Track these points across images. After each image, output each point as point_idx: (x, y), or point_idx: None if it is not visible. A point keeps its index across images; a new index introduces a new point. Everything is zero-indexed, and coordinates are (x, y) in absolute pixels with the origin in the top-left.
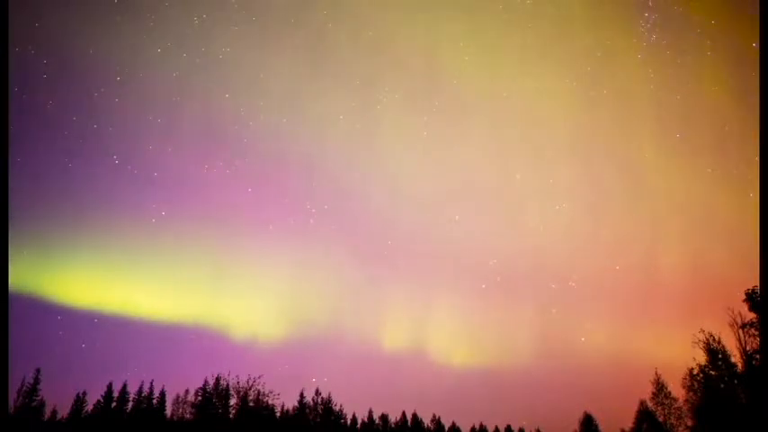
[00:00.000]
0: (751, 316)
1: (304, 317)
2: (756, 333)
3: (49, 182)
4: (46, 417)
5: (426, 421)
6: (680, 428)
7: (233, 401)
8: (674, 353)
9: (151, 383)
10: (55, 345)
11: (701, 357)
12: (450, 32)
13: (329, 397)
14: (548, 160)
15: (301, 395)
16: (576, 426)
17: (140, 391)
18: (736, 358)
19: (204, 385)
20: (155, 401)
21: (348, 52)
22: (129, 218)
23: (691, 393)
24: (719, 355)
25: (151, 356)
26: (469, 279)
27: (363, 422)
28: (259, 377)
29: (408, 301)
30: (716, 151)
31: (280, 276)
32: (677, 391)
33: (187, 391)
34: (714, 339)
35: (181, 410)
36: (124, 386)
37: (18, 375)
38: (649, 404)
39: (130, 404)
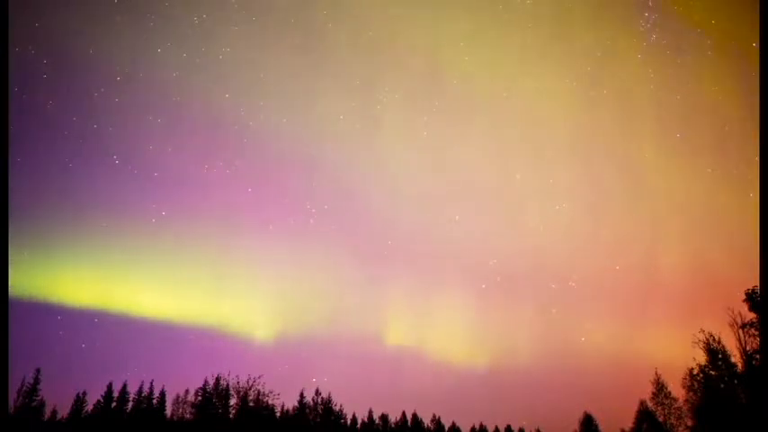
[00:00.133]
0: (751, 316)
1: (304, 317)
2: (756, 333)
3: (49, 182)
4: (46, 417)
5: (426, 421)
6: (680, 428)
7: (233, 401)
8: (674, 353)
9: (151, 383)
10: (55, 345)
11: (701, 357)
12: (450, 32)
13: (329, 397)
14: (548, 160)
15: (301, 395)
16: (576, 426)
17: (140, 391)
18: (736, 358)
19: (204, 385)
20: (155, 401)
21: (348, 52)
22: (130, 218)
23: (691, 393)
24: (719, 355)
25: (151, 356)
26: (469, 279)
27: (363, 422)
28: (259, 377)
29: (408, 301)
30: (716, 151)
31: (280, 276)
32: (677, 391)
33: (187, 391)
34: (714, 339)
35: (181, 410)
36: (124, 386)
37: (18, 375)
38: (649, 404)
39: (130, 404)
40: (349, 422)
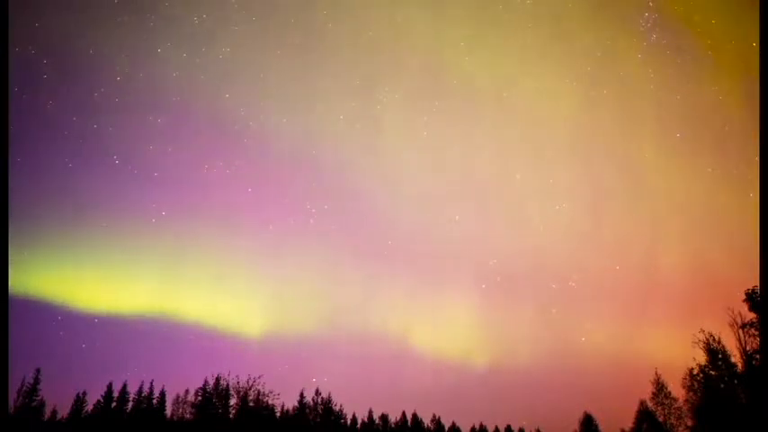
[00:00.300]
0: (751, 316)
1: (304, 317)
2: (756, 333)
3: (49, 182)
4: (46, 417)
5: (426, 421)
6: (680, 428)
7: (233, 401)
8: (674, 353)
9: (151, 383)
10: (55, 345)
11: (701, 357)
12: (450, 33)
13: (329, 397)
14: (548, 160)
15: (301, 395)
16: (576, 426)
17: (140, 391)
18: (736, 358)
19: (204, 385)
20: (155, 401)
21: (348, 52)
22: (130, 218)
23: (691, 393)
24: (719, 355)
25: (151, 356)
26: (469, 279)
27: (363, 422)
28: (259, 377)
29: (408, 301)
30: (716, 151)
31: (280, 276)
32: (677, 391)
33: (187, 391)
34: (714, 339)
35: (181, 410)
36: (124, 386)
37: (18, 375)
38: (649, 404)
39: (130, 404)
40: (349, 422)
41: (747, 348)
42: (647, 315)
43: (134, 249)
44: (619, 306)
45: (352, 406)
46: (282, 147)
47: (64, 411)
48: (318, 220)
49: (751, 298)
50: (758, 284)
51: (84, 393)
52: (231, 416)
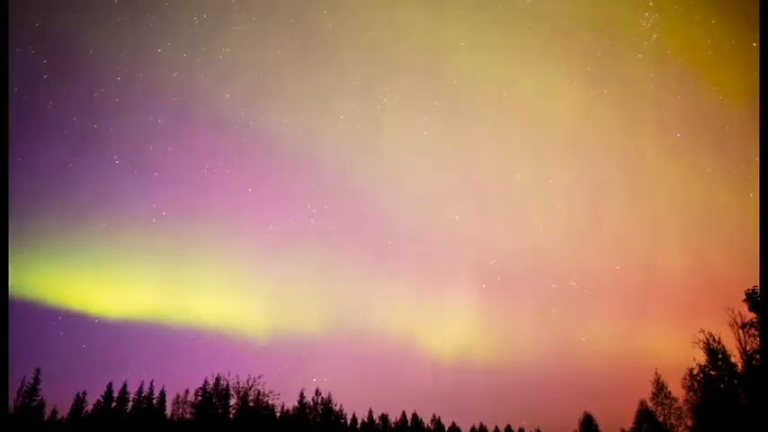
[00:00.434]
0: (751, 316)
1: (304, 317)
2: (756, 333)
3: (49, 182)
4: (46, 417)
5: (426, 421)
6: (680, 428)
7: (233, 401)
8: (674, 353)
9: (151, 383)
10: (55, 345)
11: (701, 357)
12: (450, 33)
13: (329, 397)
14: (548, 160)
15: (301, 395)
16: (576, 426)
17: (140, 391)
18: (736, 358)
19: (204, 385)
20: (155, 401)
21: (348, 52)
22: (130, 218)
23: (691, 393)
24: (719, 355)
25: (151, 356)
26: (469, 279)
27: (363, 422)
28: (259, 377)
29: (408, 301)
30: (716, 151)
31: (280, 276)
32: (677, 391)
33: (187, 391)
34: (714, 339)
35: (181, 410)
36: (124, 386)
37: (18, 375)
38: (649, 404)
39: (130, 404)
40: (349, 422)
41: (747, 348)
42: (647, 315)
43: (134, 249)
44: (619, 306)
45: (353, 406)
46: (283, 147)
47: (64, 411)
48: (318, 220)
49: (751, 298)
50: (758, 284)
51: (84, 393)
52: (231, 416)
